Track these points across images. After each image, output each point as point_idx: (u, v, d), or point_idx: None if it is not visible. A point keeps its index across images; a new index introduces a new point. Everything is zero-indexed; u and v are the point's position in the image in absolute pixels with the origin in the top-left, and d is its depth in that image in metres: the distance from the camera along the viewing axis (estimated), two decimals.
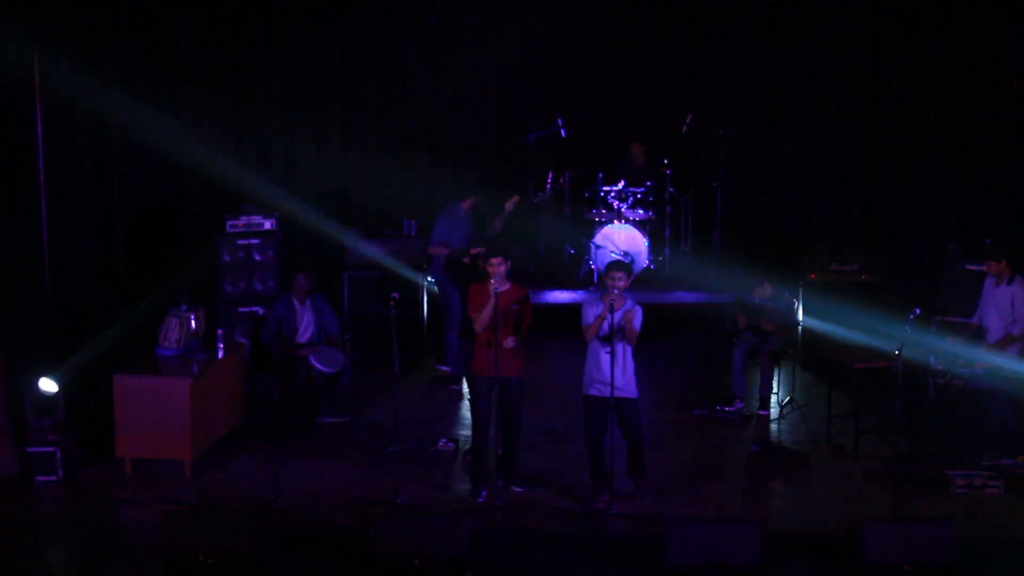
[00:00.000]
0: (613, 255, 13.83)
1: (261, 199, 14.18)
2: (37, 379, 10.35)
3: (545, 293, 14.18)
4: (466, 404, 12.17)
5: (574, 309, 13.75)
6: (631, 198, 14.43)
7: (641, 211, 14.45)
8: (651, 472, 10.05)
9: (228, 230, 13.11)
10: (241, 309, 12.87)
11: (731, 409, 11.76)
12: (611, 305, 9.40)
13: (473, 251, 11.98)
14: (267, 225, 13.19)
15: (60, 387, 10.36)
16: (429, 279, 13.16)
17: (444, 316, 12.75)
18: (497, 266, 9.59)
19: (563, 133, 14.92)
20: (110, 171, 12.00)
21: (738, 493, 10.06)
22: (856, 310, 11.86)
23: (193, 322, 10.96)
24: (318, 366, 11.46)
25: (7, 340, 10.33)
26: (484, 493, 9.79)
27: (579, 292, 14.08)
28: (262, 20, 15.25)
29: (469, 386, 10.00)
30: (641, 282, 14.01)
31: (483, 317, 9.54)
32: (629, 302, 9.55)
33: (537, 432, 11.17)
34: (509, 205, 12.67)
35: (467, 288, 9.93)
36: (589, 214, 14.69)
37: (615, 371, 9.42)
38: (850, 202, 15.58)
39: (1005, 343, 10.46)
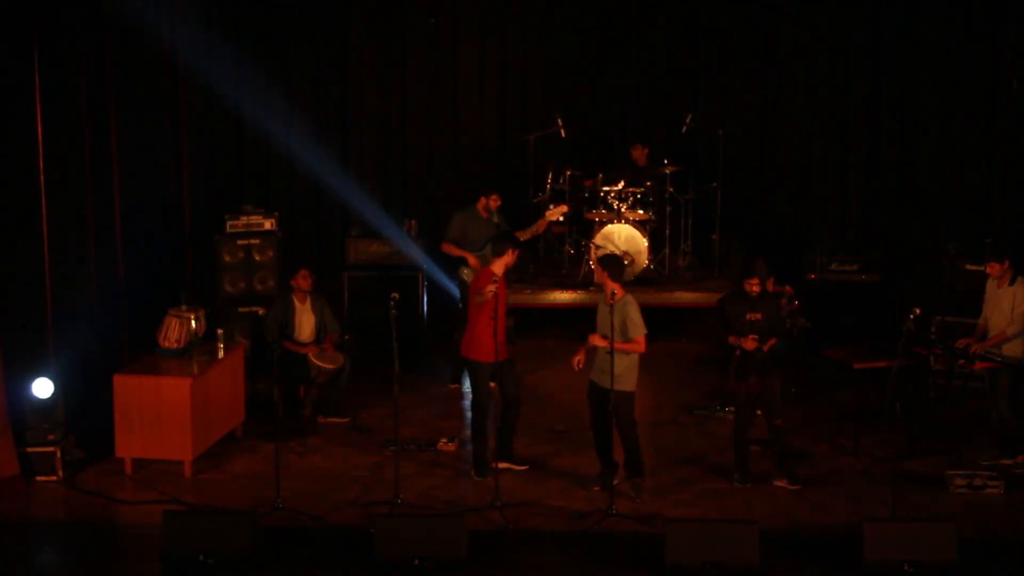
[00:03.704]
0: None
1: (261, 199, 14.20)
2: (36, 380, 10.35)
3: (544, 293, 14.17)
4: (467, 403, 12.17)
5: (574, 309, 13.84)
6: (631, 198, 14.42)
7: (641, 211, 14.44)
8: (648, 472, 10.09)
9: (228, 230, 13.11)
10: (241, 309, 12.88)
11: (732, 409, 11.74)
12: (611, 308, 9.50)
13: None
14: (267, 225, 13.20)
15: (57, 388, 10.36)
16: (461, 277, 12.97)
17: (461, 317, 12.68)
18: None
19: (563, 133, 14.91)
20: (110, 171, 11.99)
21: (738, 493, 10.05)
22: None
23: (193, 322, 10.95)
24: (319, 363, 11.47)
25: (7, 340, 10.33)
26: (486, 474, 10.02)
27: (579, 292, 14.05)
28: (262, 19, 15.24)
29: (475, 373, 10.19)
30: (641, 282, 14.01)
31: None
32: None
33: (537, 432, 11.18)
34: (553, 215, 12.68)
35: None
36: (589, 214, 14.68)
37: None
38: (850, 203, 15.57)
39: (999, 340, 10.46)
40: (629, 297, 9.78)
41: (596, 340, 9.72)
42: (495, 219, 12.54)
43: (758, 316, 10.03)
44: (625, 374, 9.69)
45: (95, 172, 11.63)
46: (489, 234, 12.22)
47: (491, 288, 9.94)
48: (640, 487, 9.89)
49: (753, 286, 9.99)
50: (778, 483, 10.04)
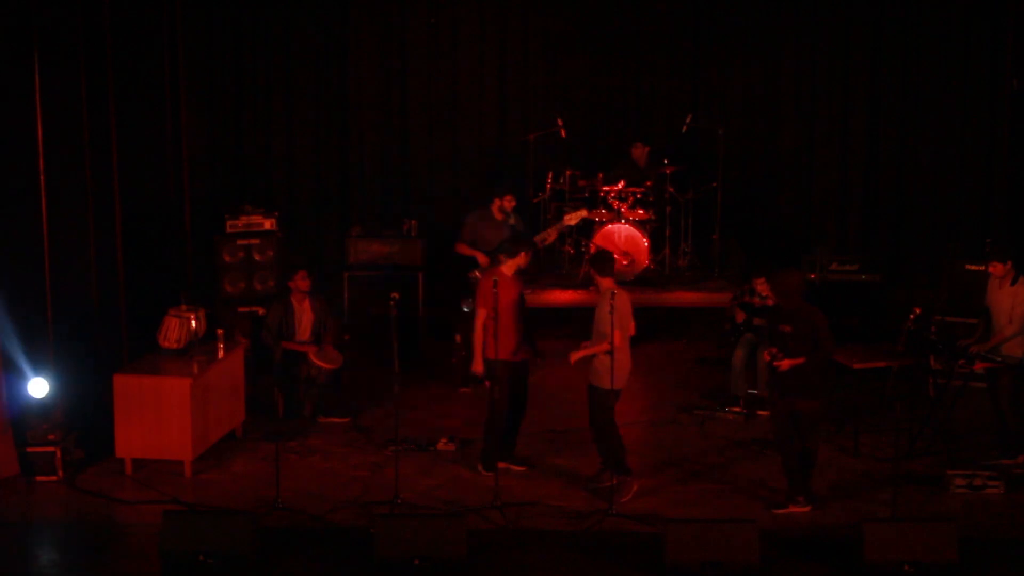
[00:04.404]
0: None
1: (261, 199, 14.20)
2: (35, 380, 10.35)
3: (545, 293, 14.17)
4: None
5: (574, 309, 13.83)
6: (631, 198, 14.42)
7: (641, 211, 14.44)
8: (648, 472, 10.07)
9: (228, 230, 13.11)
10: (241, 309, 12.88)
11: (732, 409, 11.75)
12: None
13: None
14: (267, 225, 13.20)
15: (56, 388, 10.36)
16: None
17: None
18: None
19: (563, 133, 14.90)
20: (110, 171, 11.99)
21: (738, 493, 10.05)
22: None
23: (193, 322, 10.95)
24: (319, 363, 11.47)
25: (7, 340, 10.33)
26: (492, 468, 10.02)
27: (579, 292, 14.06)
28: (263, 19, 15.24)
29: (502, 372, 10.17)
30: (641, 282, 14.02)
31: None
32: None
33: (537, 432, 11.18)
34: (571, 219, 12.59)
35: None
36: (589, 214, 14.67)
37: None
38: (850, 202, 15.58)
39: (997, 341, 10.45)
40: (609, 293, 9.70)
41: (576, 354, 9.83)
42: (511, 220, 12.35)
43: (787, 329, 9.56)
44: (602, 370, 9.71)
45: (95, 172, 11.64)
46: (503, 235, 11.79)
47: (482, 310, 10.03)
48: (604, 479, 9.89)
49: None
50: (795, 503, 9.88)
